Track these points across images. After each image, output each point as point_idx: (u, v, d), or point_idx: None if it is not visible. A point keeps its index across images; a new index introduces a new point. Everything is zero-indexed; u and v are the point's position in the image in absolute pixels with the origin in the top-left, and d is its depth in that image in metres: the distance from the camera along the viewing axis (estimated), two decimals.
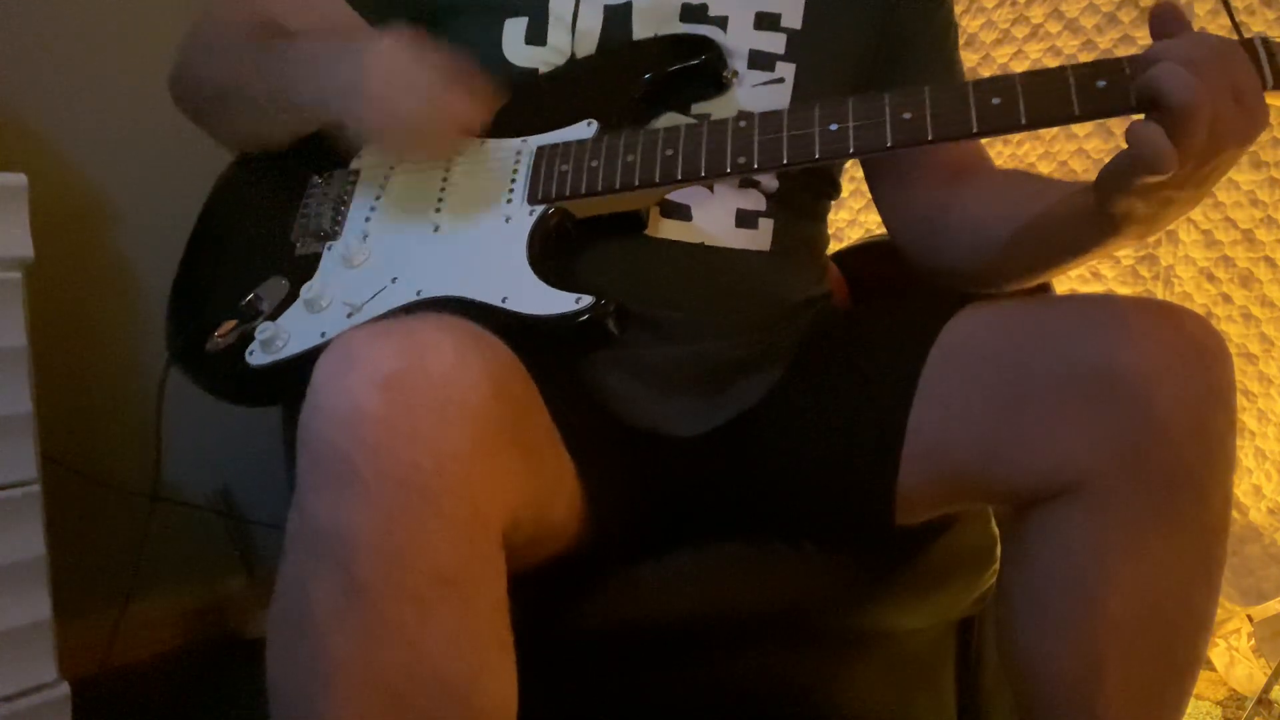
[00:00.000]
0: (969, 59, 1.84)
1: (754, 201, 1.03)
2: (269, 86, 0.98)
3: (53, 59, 1.47)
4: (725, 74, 1.00)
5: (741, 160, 0.88)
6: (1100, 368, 0.81)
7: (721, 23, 1.02)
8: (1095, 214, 0.83)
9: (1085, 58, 1.71)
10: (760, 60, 1.02)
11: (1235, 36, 0.78)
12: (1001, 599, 0.94)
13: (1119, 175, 0.76)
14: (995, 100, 0.81)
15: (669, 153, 0.91)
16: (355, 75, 0.90)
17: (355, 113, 0.91)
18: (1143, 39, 1.65)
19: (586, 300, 0.86)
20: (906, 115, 0.83)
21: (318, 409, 0.67)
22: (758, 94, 1.02)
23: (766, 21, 1.03)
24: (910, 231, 1.10)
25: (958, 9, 1.79)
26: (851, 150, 0.85)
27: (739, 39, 1.02)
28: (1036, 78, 0.80)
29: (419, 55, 0.90)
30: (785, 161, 0.87)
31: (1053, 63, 1.75)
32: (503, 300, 0.88)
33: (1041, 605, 0.87)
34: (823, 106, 0.87)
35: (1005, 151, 1.81)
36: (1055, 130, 1.73)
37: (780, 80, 1.03)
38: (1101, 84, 0.77)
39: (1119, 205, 0.79)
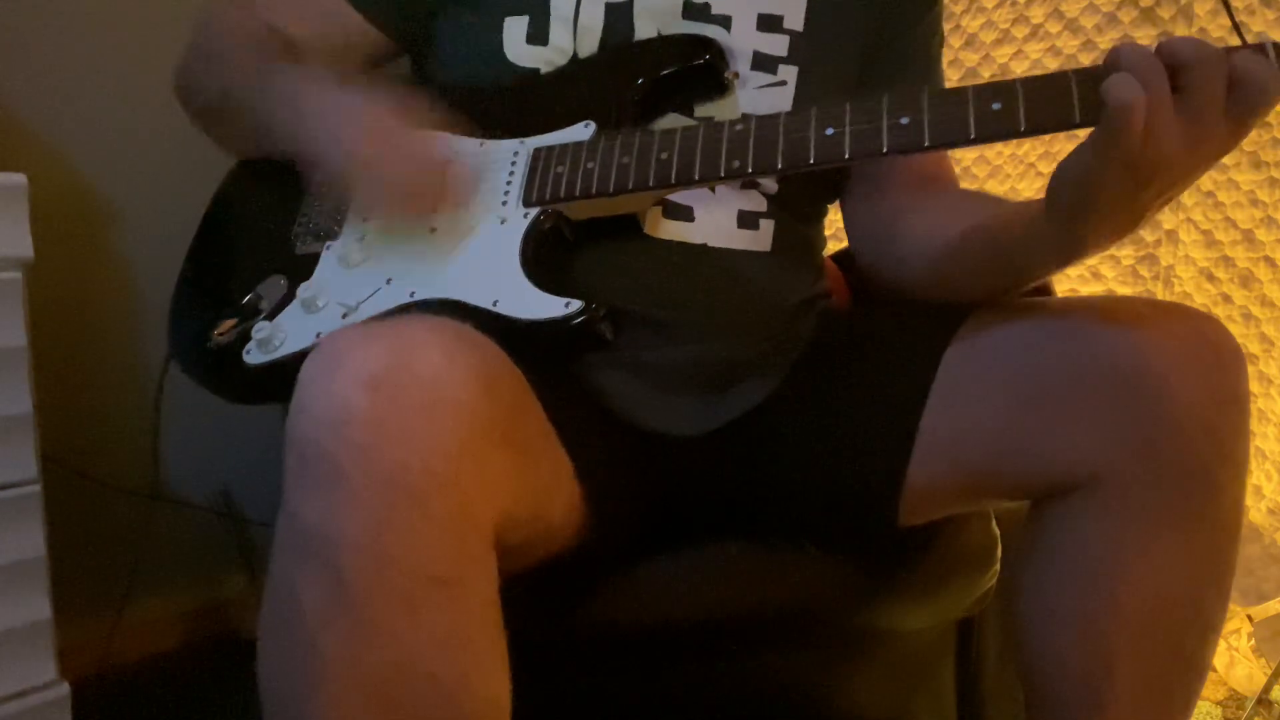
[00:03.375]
0: (969, 59, 1.83)
1: (755, 202, 1.03)
2: (259, 112, 0.99)
3: (53, 59, 1.47)
4: (727, 75, 1.00)
5: (736, 164, 0.87)
6: (1117, 365, 0.81)
7: (725, 22, 1.02)
8: (1046, 220, 0.82)
9: (1085, 58, 1.71)
10: (763, 63, 1.02)
11: (1236, 37, 0.77)
12: (1010, 596, 0.94)
13: (1078, 157, 0.76)
14: (995, 105, 0.79)
15: (664, 156, 0.90)
16: (337, 133, 0.90)
17: (333, 168, 0.91)
18: (1143, 39, 1.65)
19: (576, 305, 0.86)
20: (904, 120, 0.82)
21: (304, 410, 0.67)
22: (760, 96, 1.02)
23: (769, 23, 1.03)
24: (868, 238, 1.11)
25: (958, 9, 1.80)
26: (847, 155, 0.84)
27: (743, 40, 1.02)
28: (1038, 83, 0.78)
29: (400, 122, 0.90)
30: (780, 166, 0.86)
31: (1053, 63, 1.75)
32: (494, 303, 0.88)
33: (1053, 601, 0.87)
34: (820, 111, 0.86)
35: (1005, 151, 1.80)
36: None
37: (783, 83, 1.03)
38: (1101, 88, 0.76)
39: (1071, 199, 0.78)
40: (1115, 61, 0.72)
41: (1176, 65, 0.71)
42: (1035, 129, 0.78)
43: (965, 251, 0.94)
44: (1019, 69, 1.79)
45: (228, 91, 1.02)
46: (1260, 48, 0.73)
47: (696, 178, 0.89)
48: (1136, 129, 0.70)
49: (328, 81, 0.96)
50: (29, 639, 1.12)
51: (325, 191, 1.03)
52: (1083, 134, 0.76)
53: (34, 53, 1.46)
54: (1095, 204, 0.77)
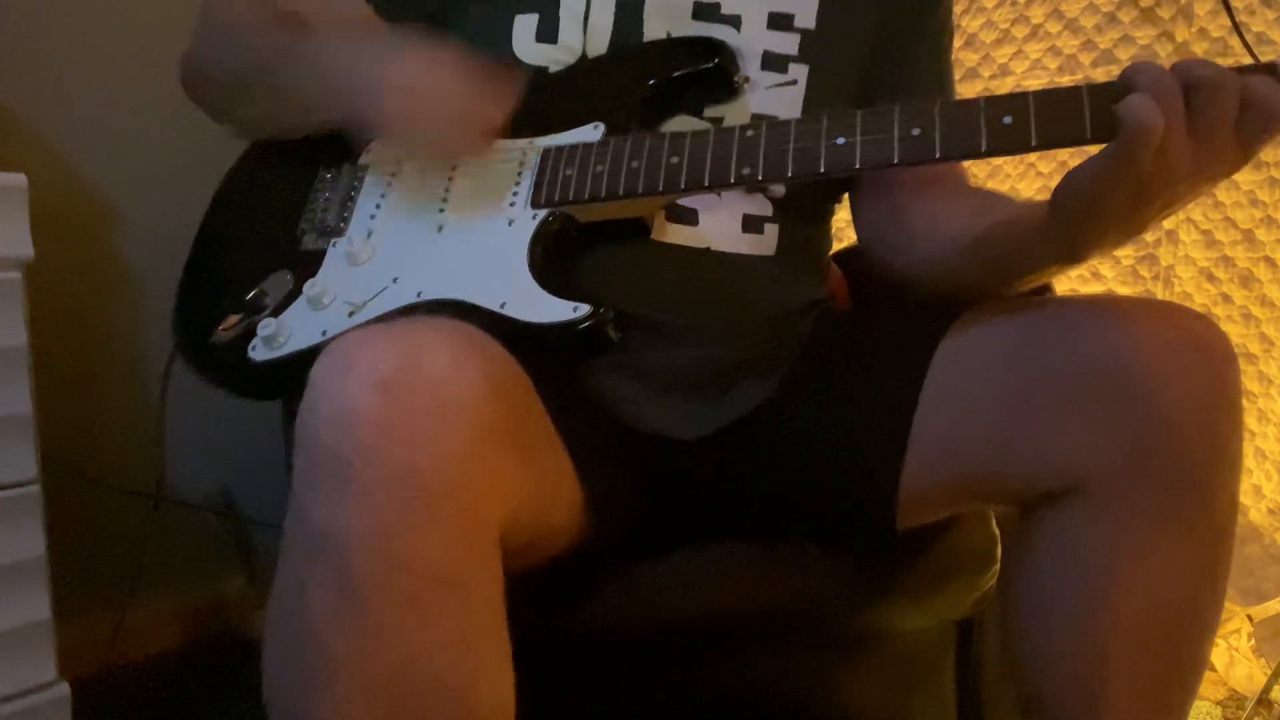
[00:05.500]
0: (969, 59, 1.84)
1: (760, 206, 1.03)
2: (288, 80, 0.98)
3: (53, 59, 1.47)
4: (736, 78, 1.00)
5: (746, 171, 0.87)
6: (1109, 367, 0.81)
7: (735, 22, 1.01)
8: (1045, 224, 0.83)
9: (1085, 58, 1.71)
10: (773, 62, 1.02)
11: (1236, 37, 0.77)
12: (1006, 598, 0.95)
13: (1089, 169, 0.76)
14: (1006, 119, 0.79)
15: (674, 160, 0.90)
16: (378, 77, 0.90)
17: (376, 115, 0.91)
18: (1143, 39, 1.65)
19: (584, 309, 0.85)
20: (915, 131, 0.82)
21: (314, 411, 0.67)
22: (770, 96, 1.02)
23: (779, 22, 1.02)
24: (875, 232, 1.10)
25: (958, 9, 1.80)
26: (858, 165, 0.84)
27: (753, 39, 1.02)
28: (1049, 97, 0.78)
29: (442, 59, 0.90)
30: (790, 174, 0.86)
31: (1053, 63, 1.75)
32: (501, 306, 0.87)
33: (1047, 604, 0.87)
34: (831, 118, 0.86)
35: None
36: None
37: (793, 82, 1.03)
38: (1116, 106, 0.76)
39: (1076, 209, 0.79)
40: (1132, 81, 0.73)
41: (1190, 85, 0.71)
42: (1046, 144, 0.78)
43: (974, 249, 0.94)
44: (1019, 69, 1.79)
45: (253, 60, 1.01)
46: (1271, 69, 0.73)
47: (706, 183, 0.89)
48: (1151, 149, 0.71)
49: (359, 33, 0.97)
50: (29, 639, 1.12)
51: (331, 176, 1.03)
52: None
53: (34, 53, 1.46)
54: (1100, 216, 0.78)
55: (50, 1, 1.46)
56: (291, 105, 0.99)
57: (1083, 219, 0.79)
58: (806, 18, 1.03)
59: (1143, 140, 0.70)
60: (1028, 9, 1.76)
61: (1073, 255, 0.83)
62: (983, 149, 0.80)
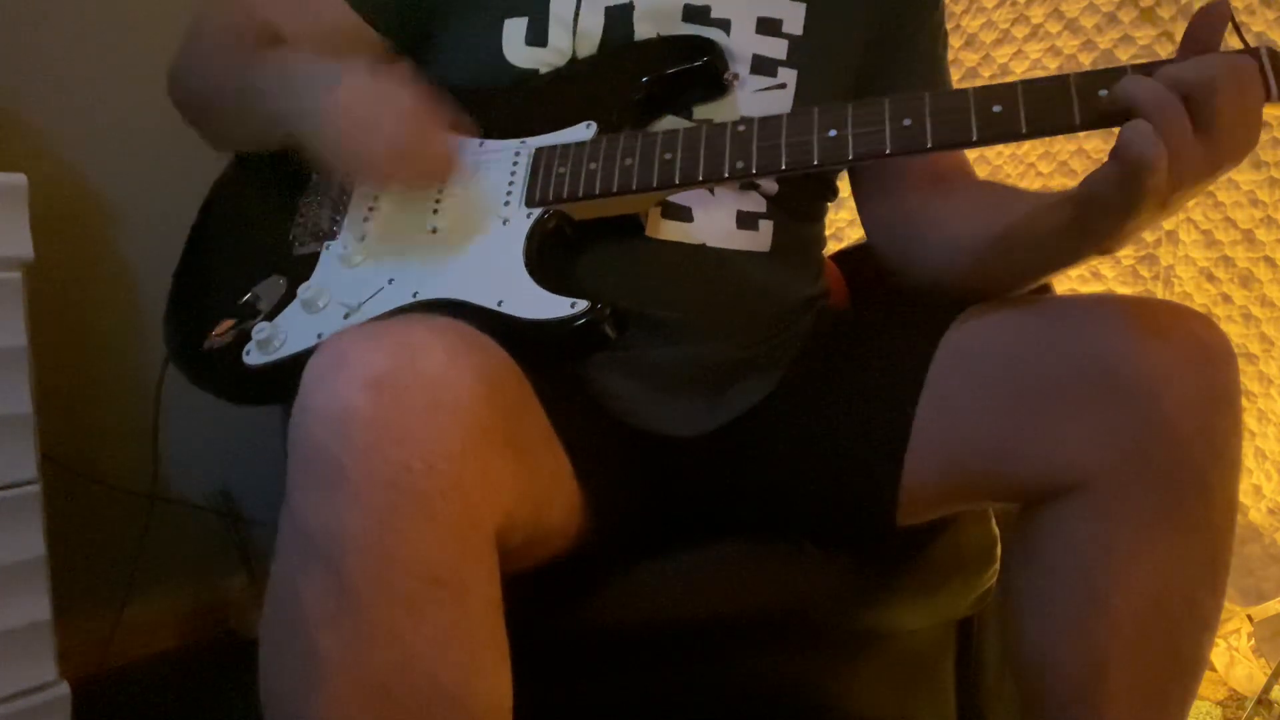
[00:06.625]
0: (969, 59, 1.84)
1: (754, 203, 1.03)
2: (241, 95, 0.98)
3: (53, 59, 1.47)
4: (726, 76, 1.00)
5: (739, 165, 0.88)
6: (1107, 367, 0.81)
7: (724, 25, 1.01)
8: (1068, 226, 0.83)
9: (1085, 58, 1.71)
10: (763, 65, 1.02)
11: (1236, 37, 0.78)
12: (1006, 597, 0.94)
13: (1103, 187, 0.77)
14: (996, 108, 0.80)
15: (667, 156, 0.90)
16: (316, 103, 0.88)
17: (312, 138, 0.90)
18: (1143, 39, 1.65)
19: (582, 305, 0.85)
20: (906, 122, 0.83)
21: (307, 410, 0.67)
22: (760, 99, 1.02)
23: (768, 27, 1.03)
24: (887, 236, 1.11)
25: (958, 9, 1.80)
26: (850, 157, 0.85)
27: (742, 43, 1.02)
28: (1038, 85, 0.79)
29: (390, 91, 0.88)
30: (784, 167, 0.87)
31: (1053, 63, 1.75)
32: (498, 304, 0.87)
33: (1047, 603, 0.87)
34: (822, 112, 0.87)
35: (1006, 151, 1.81)
36: None
37: (782, 86, 1.03)
38: (1103, 93, 0.77)
39: (1098, 221, 0.80)
40: (1131, 103, 0.73)
41: (1186, 91, 0.72)
42: (1036, 132, 0.79)
43: (1003, 245, 0.94)
44: (1019, 69, 1.79)
45: (215, 89, 1.02)
46: (1254, 53, 0.75)
47: (700, 178, 0.89)
48: (1161, 173, 0.72)
49: (319, 56, 0.95)
50: (29, 639, 1.12)
51: (322, 180, 1.03)
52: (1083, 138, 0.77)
53: (34, 53, 1.46)
54: (1125, 228, 0.79)
55: (50, 1, 1.46)
56: (255, 119, 0.98)
57: (1107, 229, 0.80)
58: (794, 24, 1.03)
59: (1147, 173, 0.72)
60: (1028, 9, 1.76)
61: (1111, 247, 0.84)
62: (974, 138, 0.81)
